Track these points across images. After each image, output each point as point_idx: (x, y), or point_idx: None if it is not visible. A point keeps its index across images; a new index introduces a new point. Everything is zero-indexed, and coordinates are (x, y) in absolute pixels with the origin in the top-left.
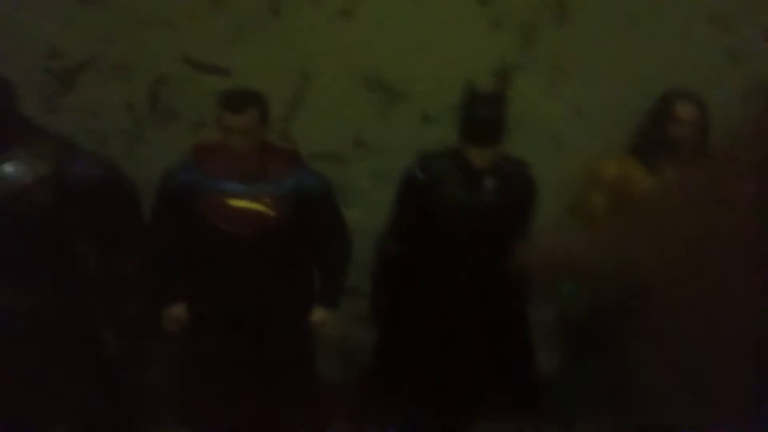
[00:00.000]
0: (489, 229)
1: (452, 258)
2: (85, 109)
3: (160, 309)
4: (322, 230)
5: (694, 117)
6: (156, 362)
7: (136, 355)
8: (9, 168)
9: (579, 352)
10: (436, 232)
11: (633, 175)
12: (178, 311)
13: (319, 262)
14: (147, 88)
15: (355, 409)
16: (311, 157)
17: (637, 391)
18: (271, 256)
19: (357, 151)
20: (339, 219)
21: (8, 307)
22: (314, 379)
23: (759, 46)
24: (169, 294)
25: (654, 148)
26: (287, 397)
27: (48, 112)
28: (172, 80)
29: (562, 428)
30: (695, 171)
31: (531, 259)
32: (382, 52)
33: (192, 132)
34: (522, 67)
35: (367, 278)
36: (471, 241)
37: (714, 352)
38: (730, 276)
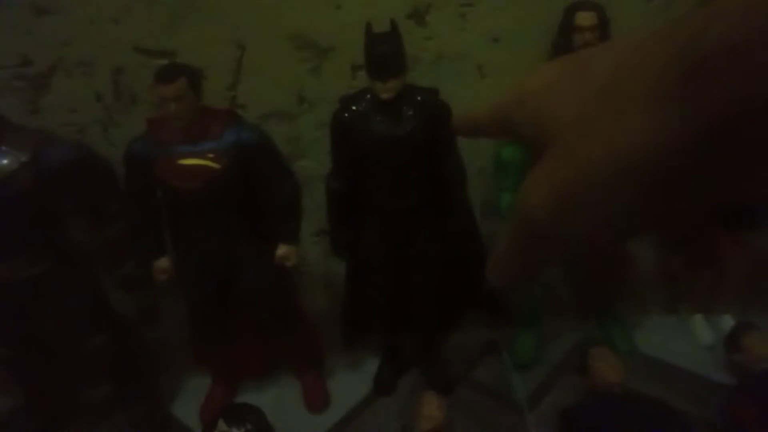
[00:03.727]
0: (413, 155)
1: (388, 185)
2: (62, 106)
3: (149, 264)
4: (266, 176)
5: (593, 22)
6: (165, 318)
7: (145, 308)
8: None
9: None
10: (367, 164)
11: None
12: (162, 263)
13: (271, 206)
14: (109, 79)
15: (341, 335)
16: (263, 118)
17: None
18: (224, 206)
19: (300, 106)
20: (280, 163)
21: (9, 278)
22: (300, 313)
23: None
24: (153, 249)
25: None
26: (279, 333)
27: (31, 113)
28: (128, 69)
29: (529, 328)
30: None
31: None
32: (304, 13)
33: (153, 110)
34: (432, 7)
35: None
36: (401, 169)
37: None
38: None
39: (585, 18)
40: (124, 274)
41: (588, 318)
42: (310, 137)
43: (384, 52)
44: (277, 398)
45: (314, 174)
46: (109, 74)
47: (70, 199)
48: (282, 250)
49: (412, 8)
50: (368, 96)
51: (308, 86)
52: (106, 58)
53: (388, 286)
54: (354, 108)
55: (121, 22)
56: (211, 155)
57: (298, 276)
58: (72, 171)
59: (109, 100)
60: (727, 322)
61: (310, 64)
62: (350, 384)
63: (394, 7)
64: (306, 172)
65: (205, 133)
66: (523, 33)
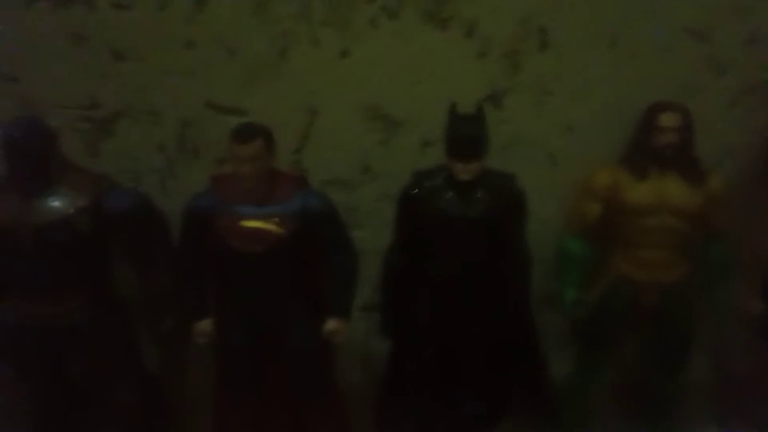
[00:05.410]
0: (482, 238)
1: (451, 270)
2: (122, 152)
3: (190, 324)
4: (327, 246)
5: (677, 124)
6: (191, 373)
7: (173, 366)
8: (54, 201)
9: (586, 357)
10: (433, 243)
11: (622, 183)
12: (205, 325)
13: (327, 275)
14: (175, 130)
15: (374, 416)
16: (323, 184)
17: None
18: (282, 270)
19: (363, 176)
20: (342, 234)
21: (50, 319)
22: (335, 387)
23: (737, 54)
24: (197, 310)
25: (641, 157)
26: (311, 405)
27: (91, 156)
28: (196, 122)
29: None
30: None
31: None
32: (380, 86)
33: (215, 166)
34: (511, 91)
35: None
36: (467, 251)
37: None
38: None
39: (670, 119)
40: (163, 329)
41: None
42: (368, 208)
43: (468, 134)
44: None
45: (368, 246)
46: (175, 125)
47: (122, 246)
48: (332, 324)
49: (491, 91)
50: (443, 174)
51: (375, 157)
52: (175, 109)
53: (435, 366)
54: (427, 184)
55: (196, 75)
56: (276, 219)
57: (338, 351)
58: (129, 219)
59: (171, 151)
60: None
61: (379, 136)
62: None
63: (473, 88)
64: (360, 243)
65: (272, 196)
66: (597, 125)
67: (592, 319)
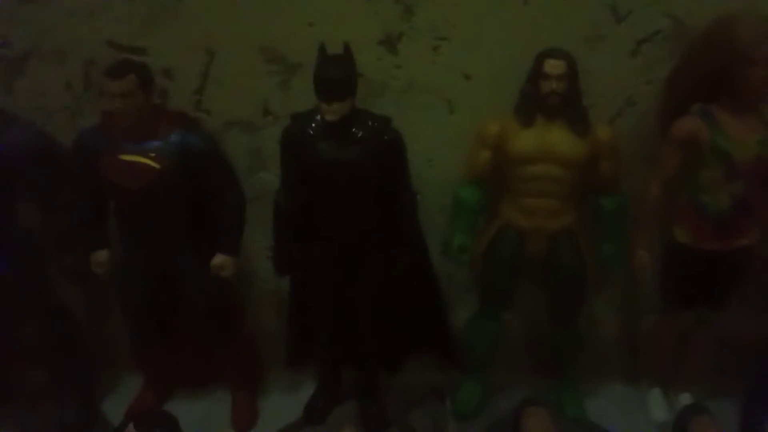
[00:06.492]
0: (358, 180)
1: (336, 212)
2: (34, 90)
3: (88, 256)
4: (211, 184)
5: (561, 71)
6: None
7: (90, 304)
8: None
9: (482, 303)
10: (315, 185)
11: (509, 131)
12: (100, 256)
13: (214, 213)
14: (80, 69)
15: (284, 356)
16: (226, 126)
17: None
18: (168, 209)
19: (265, 119)
20: (226, 172)
21: None
22: (240, 329)
23: (639, 1)
24: (93, 243)
25: (528, 105)
26: (214, 345)
27: (5, 94)
28: (100, 61)
29: (476, 377)
30: None
31: None
32: (275, 27)
33: None
34: (405, 36)
35: None
36: (346, 192)
37: None
38: None
39: (554, 66)
40: (66, 264)
41: (545, 377)
42: (272, 150)
43: (330, 75)
44: (206, 412)
45: (273, 188)
46: (80, 65)
47: (22, 183)
48: (218, 259)
49: (385, 35)
50: (318, 117)
51: (274, 99)
52: (79, 49)
53: (331, 312)
54: (303, 126)
55: (97, 16)
56: (152, 154)
57: (248, 290)
58: (27, 156)
59: (78, 90)
60: (686, 401)
61: (278, 78)
62: (284, 406)
63: (366, 31)
64: (265, 184)
65: (153, 132)
66: (497, 74)
67: (483, 265)
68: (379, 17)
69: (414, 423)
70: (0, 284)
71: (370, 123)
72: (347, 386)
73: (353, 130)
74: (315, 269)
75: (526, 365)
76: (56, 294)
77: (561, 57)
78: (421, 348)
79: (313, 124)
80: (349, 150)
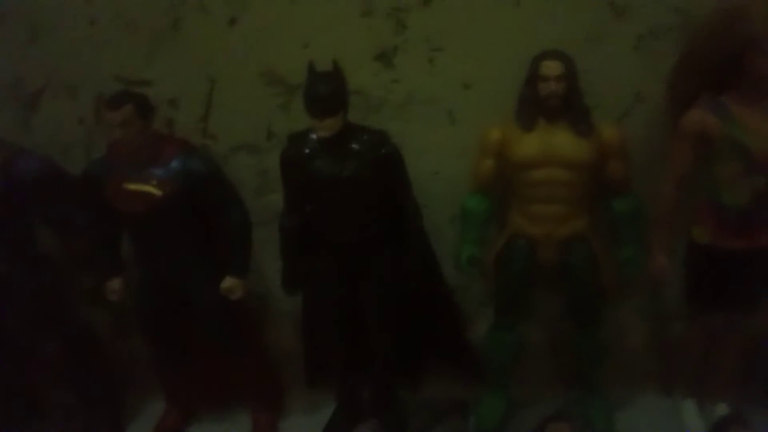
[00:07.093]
0: (359, 194)
1: (340, 229)
2: (49, 126)
3: (103, 283)
4: (215, 205)
5: (558, 72)
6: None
7: (112, 326)
8: None
9: (498, 314)
10: (317, 203)
11: (511, 136)
12: (114, 284)
13: (220, 235)
14: (91, 104)
15: (304, 375)
16: (232, 150)
17: None
18: (175, 231)
19: (270, 141)
20: (228, 193)
21: None
22: (256, 348)
23: None
24: (107, 269)
25: (528, 109)
26: (231, 366)
27: (24, 132)
28: (109, 95)
29: (498, 392)
30: None
31: None
32: (272, 51)
33: None
34: (399, 49)
35: None
36: (347, 206)
37: None
38: None
39: (550, 68)
40: (86, 288)
41: (573, 389)
42: (279, 171)
43: (319, 91)
44: None
45: (281, 209)
46: (90, 99)
47: (39, 209)
48: (227, 282)
49: (380, 50)
50: (313, 135)
51: (277, 122)
52: (89, 83)
53: (342, 328)
54: (300, 146)
55: (102, 51)
56: (154, 182)
57: (266, 311)
58: (40, 183)
59: (90, 123)
60: (722, 411)
61: (279, 100)
62: (304, 427)
63: (361, 47)
64: (274, 206)
65: (155, 159)
66: (496, 81)
67: (495, 276)
68: (372, 33)
69: None
70: (21, 304)
71: (365, 137)
72: (368, 404)
73: (349, 145)
74: (323, 285)
75: (553, 378)
76: (78, 315)
77: (557, 58)
78: (440, 363)
79: (309, 143)
80: (346, 165)
